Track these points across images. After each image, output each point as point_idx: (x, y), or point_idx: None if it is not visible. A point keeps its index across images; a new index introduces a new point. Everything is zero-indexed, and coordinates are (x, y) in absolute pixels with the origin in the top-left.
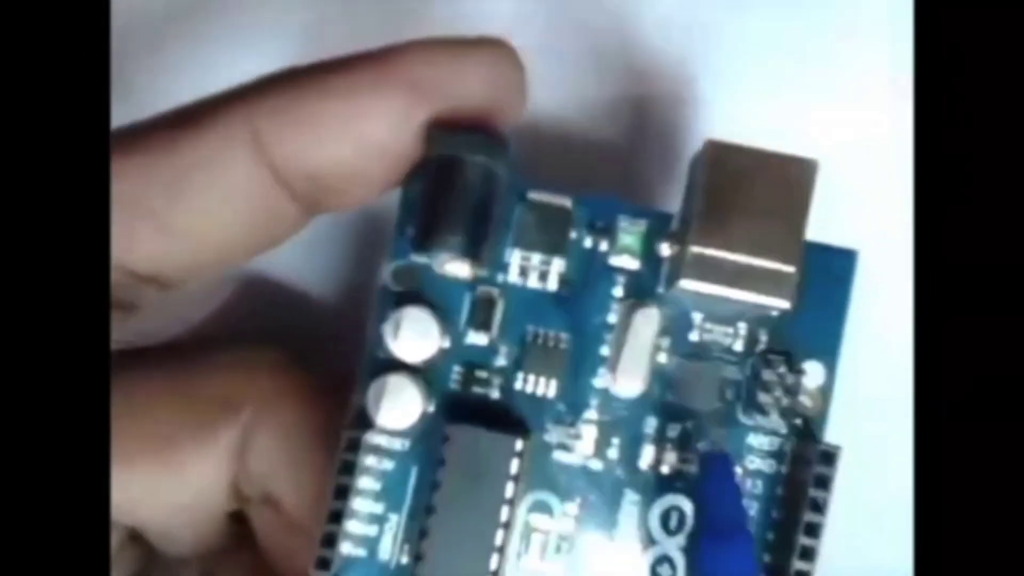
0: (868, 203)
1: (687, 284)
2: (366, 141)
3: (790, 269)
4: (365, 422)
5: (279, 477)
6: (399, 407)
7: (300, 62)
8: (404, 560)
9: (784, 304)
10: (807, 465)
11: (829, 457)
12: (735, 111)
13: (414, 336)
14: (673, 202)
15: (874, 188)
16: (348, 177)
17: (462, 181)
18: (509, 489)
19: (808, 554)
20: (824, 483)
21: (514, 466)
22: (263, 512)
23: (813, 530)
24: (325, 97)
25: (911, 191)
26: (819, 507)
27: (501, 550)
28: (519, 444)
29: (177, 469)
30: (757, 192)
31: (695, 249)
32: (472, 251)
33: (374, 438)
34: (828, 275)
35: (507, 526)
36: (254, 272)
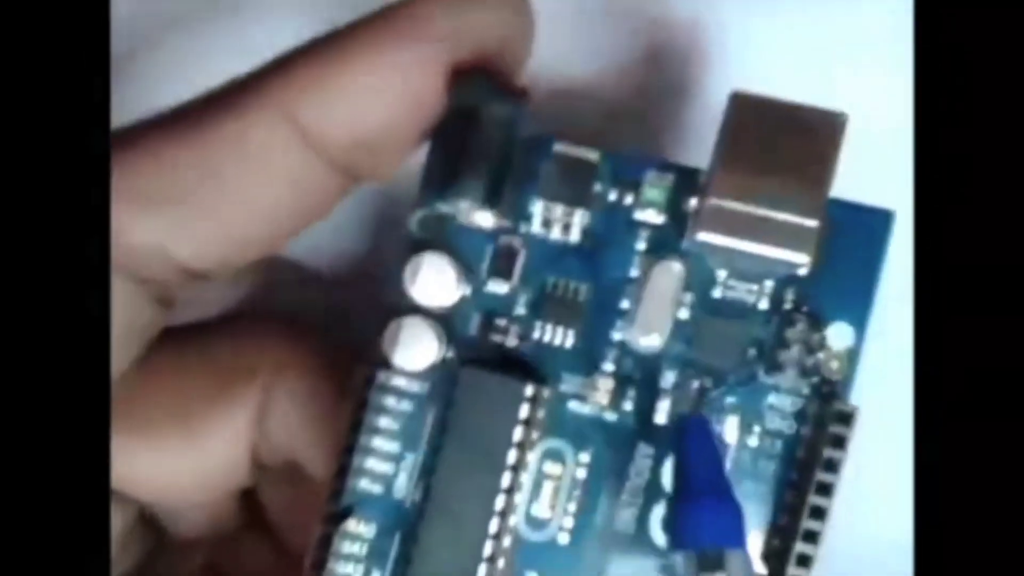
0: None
1: (703, 236)
2: (398, 97)
3: (811, 224)
4: (381, 362)
5: (300, 442)
6: (415, 348)
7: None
8: (419, 498)
9: (803, 260)
10: (824, 419)
11: (846, 417)
12: (755, 64)
13: (432, 281)
14: (692, 158)
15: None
16: (385, 137)
17: (482, 129)
18: (518, 433)
19: (819, 513)
20: (840, 443)
21: (523, 411)
22: (280, 488)
23: (825, 489)
24: (353, 60)
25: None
26: (833, 467)
27: (509, 491)
28: (529, 389)
29: (197, 440)
30: (781, 145)
31: (713, 200)
32: (492, 198)
33: (390, 378)
34: (861, 235)
35: (515, 469)
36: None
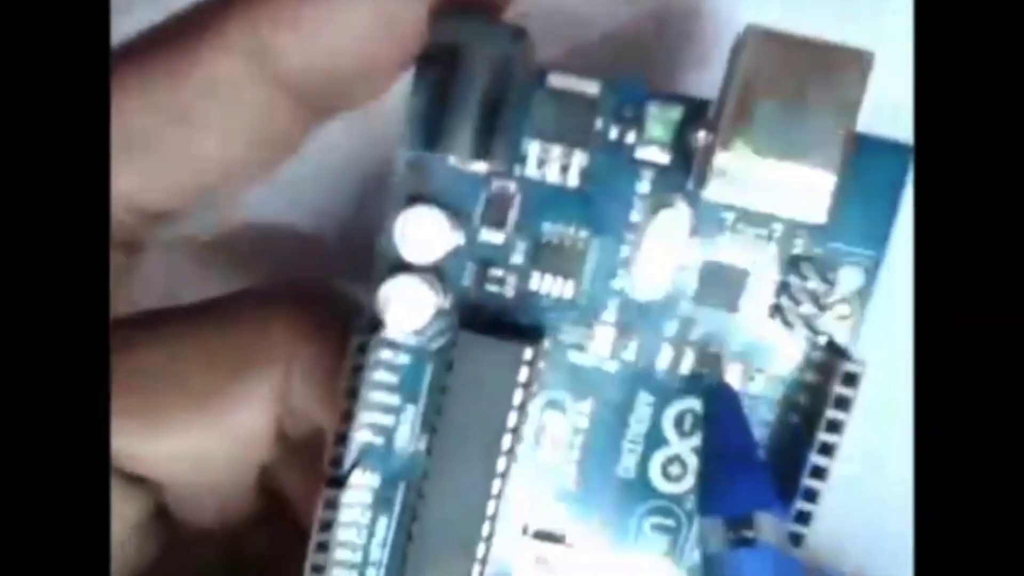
0: None
1: (711, 194)
2: (374, 29)
3: (828, 177)
4: (375, 326)
5: (323, 409)
6: (408, 310)
7: None
8: (422, 446)
9: (819, 218)
10: (830, 379)
11: (852, 378)
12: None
13: (423, 236)
14: (703, 83)
15: None
16: (361, 71)
17: (469, 72)
18: (518, 396)
19: (820, 473)
20: (844, 404)
21: (523, 374)
22: (301, 464)
23: (827, 449)
24: None
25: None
26: (836, 427)
27: (510, 452)
28: (528, 352)
29: (220, 420)
30: (800, 89)
31: (721, 155)
32: (483, 151)
33: (385, 341)
34: (877, 172)
35: (515, 431)
36: (268, 224)
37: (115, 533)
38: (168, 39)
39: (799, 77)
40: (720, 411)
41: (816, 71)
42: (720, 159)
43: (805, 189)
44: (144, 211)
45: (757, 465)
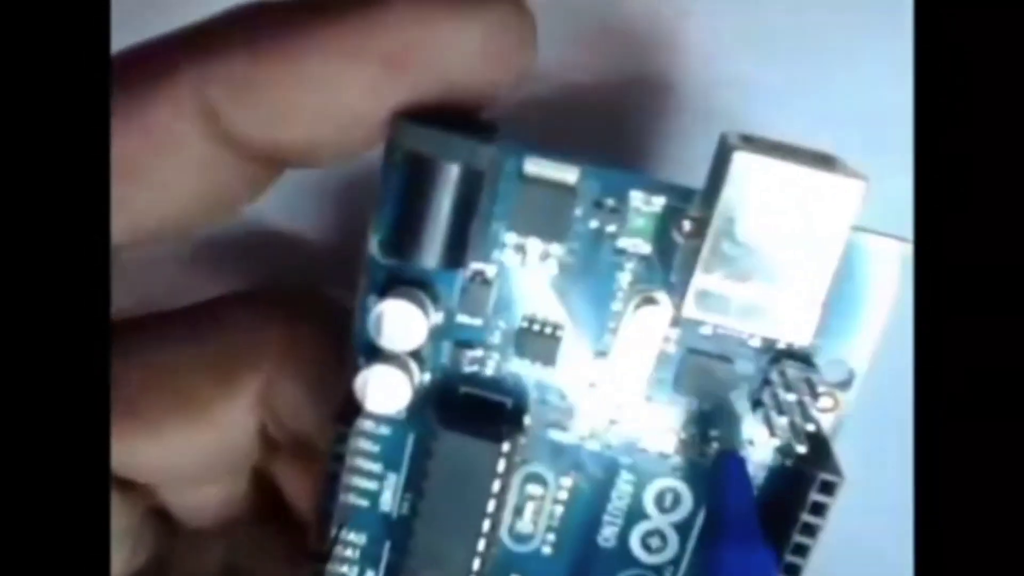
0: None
1: (690, 314)
2: (335, 116)
3: (814, 304)
4: (355, 409)
5: (307, 415)
6: (387, 396)
7: None
8: (405, 511)
9: (803, 341)
10: (807, 483)
11: (829, 487)
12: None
13: (398, 329)
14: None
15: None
16: (316, 148)
17: (441, 190)
18: (496, 484)
19: (793, 570)
20: (819, 510)
21: (501, 465)
22: (294, 465)
23: (801, 550)
24: (290, 66)
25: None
26: (811, 531)
27: (492, 530)
28: (506, 446)
29: (206, 422)
30: (785, 214)
31: (701, 277)
32: (453, 261)
33: (365, 423)
34: (863, 275)
35: (494, 515)
36: (254, 230)
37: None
38: (118, 72)
39: (785, 204)
40: (731, 482)
41: (803, 198)
42: (700, 280)
43: (789, 315)
44: None
45: (761, 545)
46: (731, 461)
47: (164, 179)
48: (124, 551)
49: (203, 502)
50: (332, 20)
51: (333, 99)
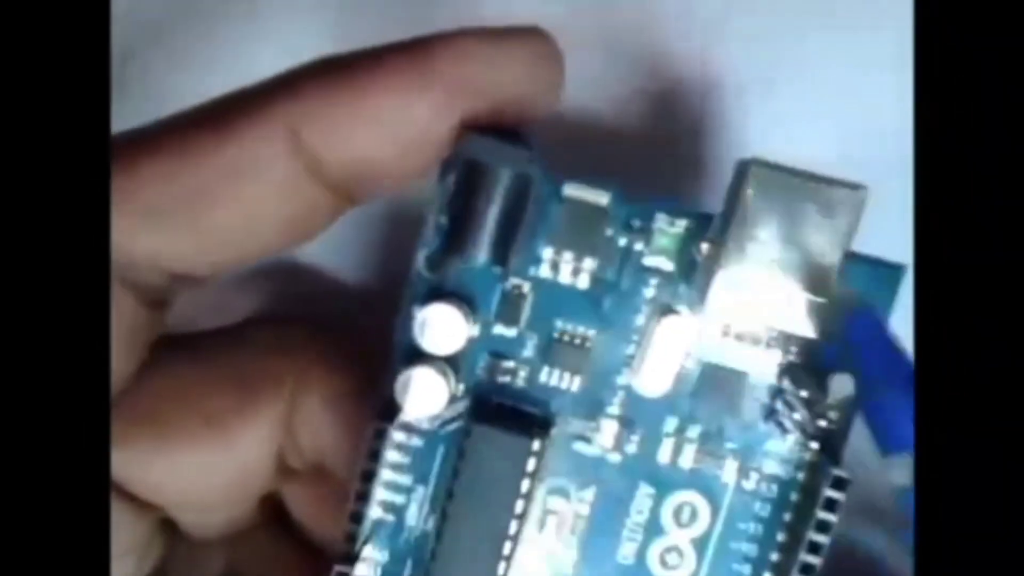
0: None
1: (712, 307)
2: (404, 136)
3: (822, 299)
4: (393, 411)
5: (327, 444)
6: (424, 397)
7: (325, 53)
8: (430, 527)
9: (812, 335)
10: (820, 481)
11: (841, 483)
12: (762, 103)
13: (441, 332)
14: (706, 196)
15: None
16: (384, 170)
17: (493, 192)
18: (524, 484)
19: (808, 570)
20: (832, 507)
21: (530, 464)
22: (305, 487)
23: (816, 548)
24: (364, 93)
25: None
26: (825, 528)
27: (516, 536)
28: (536, 444)
29: (226, 446)
30: (796, 218)
31: (723, 273)
32: (499, 261)
33: (402, 425)
34: (868, 290)
35: (521, 517)
36: (288, 261)
37: (114, 553)
38: (205, 113)
39: (796, 209)
40: (867, 337)
41: (812, 204)
42: (721, 276)
43: (799, 309)
44: (168, 272)
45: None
46: (862, 316)
47: (247, 203)
48: (129, 565)
49: (210, 517)
50: (402, 54)
51: (404, 120)
